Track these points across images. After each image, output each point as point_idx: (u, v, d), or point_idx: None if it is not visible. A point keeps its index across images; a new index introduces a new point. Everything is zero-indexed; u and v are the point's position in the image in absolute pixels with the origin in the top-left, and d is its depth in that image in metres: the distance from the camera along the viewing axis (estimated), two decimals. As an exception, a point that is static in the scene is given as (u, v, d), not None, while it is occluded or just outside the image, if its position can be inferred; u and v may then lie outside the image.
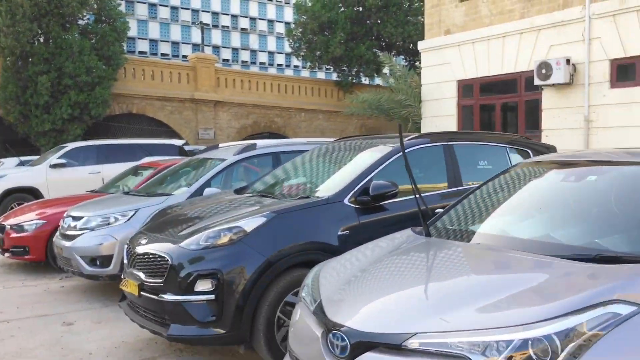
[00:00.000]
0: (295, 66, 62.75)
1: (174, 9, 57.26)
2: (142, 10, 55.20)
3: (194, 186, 6.41)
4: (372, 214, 4.34)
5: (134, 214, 6.05)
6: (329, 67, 38.65)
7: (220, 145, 7.83)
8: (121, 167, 12.17)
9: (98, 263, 5.93)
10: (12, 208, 11.13)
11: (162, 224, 4.60)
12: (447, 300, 2.26)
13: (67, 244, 6.15)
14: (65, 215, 6.61)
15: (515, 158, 5.06)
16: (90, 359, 4.36)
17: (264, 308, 3.85)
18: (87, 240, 6.00)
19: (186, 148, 13.44)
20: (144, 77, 29.22)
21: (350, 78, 34.62)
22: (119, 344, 4.69)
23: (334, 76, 41.99)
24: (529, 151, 5.19)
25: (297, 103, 34.24)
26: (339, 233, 4.18)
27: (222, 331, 3.80)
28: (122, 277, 4.59)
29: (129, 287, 4.29)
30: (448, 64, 16.08)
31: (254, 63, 59.98)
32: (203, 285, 3.82)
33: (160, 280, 3.97)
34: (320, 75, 51.42)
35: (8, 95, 23.39)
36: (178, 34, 56.67)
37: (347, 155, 5.22)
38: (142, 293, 4.12)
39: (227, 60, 58.22)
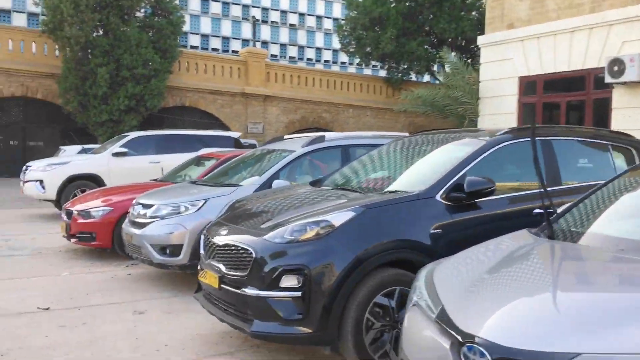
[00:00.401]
0: (342, 62, 62.48)
1: (225, 4, 57.78)
2: (194, 5, 55.97)
3: (262, 177, 6.27)
4: (465, 212, 4.07)
5: (203, 204, 5.94)
6: (377, 63, 38.27)
7: (285, 137, 7.68)
8: (179, 158, 12.24)
9: (168, 252, 5.85)
10: (74, 195, 11.33)
11: (241, 215, 4.44)
12: (603, 315, 1.97)
13: (137, 231, 6.10)
14: (134, 202, 6.57)
15: (618, 156, 4.69)
16: (166, 350, 4.24)
17: (352, 308, 3.63)
18: (158, 228, 5.92)
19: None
20: (197, 70, 29.52)
21: (400, 75, 34.13)
22: (193, 336, 4.57)
23: (382, 73, 41.57)
24: (632, 150, 4.79)
25: (345, 99, 33.99)
26: (431, 231, 3.92)
27: (309, 330, 3.61)
28: (199, 268, 4.46)
29: (208, 278, 4.15)
30: (509, 59, 15.53)
31: (301, 59, 60.00)
32: (289, 281, 3.64)
33: (243, 274, 3.81)
34: (367, 71, 51.02)
35: (69, 85, 24.00)
36: (229, 29, 57.17)
37: (430, 149, 4.96)
38: (222, 286, 3.98)
39: (275, 56, 58.43)
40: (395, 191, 4.22)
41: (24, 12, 43.76)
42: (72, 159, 11.63)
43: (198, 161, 9.24)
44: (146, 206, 6.23)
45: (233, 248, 3.95)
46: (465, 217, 4.07)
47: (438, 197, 4.05)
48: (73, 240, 7.69)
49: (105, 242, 7.46)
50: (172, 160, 12.16)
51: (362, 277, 3.67)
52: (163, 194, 6.52)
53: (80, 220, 7.56)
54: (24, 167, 11.93)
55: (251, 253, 3.79)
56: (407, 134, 7.62)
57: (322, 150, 6.82)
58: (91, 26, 23.67)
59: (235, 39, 56.66)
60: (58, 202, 11.50)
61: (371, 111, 34.54)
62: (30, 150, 26.03)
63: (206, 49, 53.61)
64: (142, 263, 6.27)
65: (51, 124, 26.56)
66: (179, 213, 5.96)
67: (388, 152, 5.25)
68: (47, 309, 5.22)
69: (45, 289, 5.95)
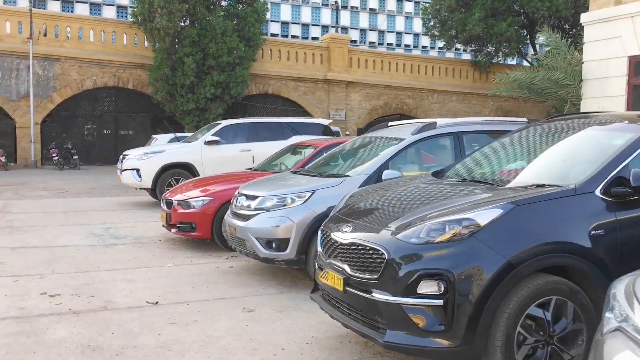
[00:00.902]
0: (423, 47, 60.92)
1: (304, -10, 57.68)
2: (274, -8, 56.14)
3: (371, 167, 5.85)
4: (631, 210, 3.45)
5: (310, 195, 5.60)
6: (461, 47, 36.77)
7: (390, 123, 7.20)
8: (270, 146, 12.10)
9: (274, 246, 5.57)
10: (169, 184, 11.42)
11: (363, 210, 4.04)
12: None
13: (241, 224, 5.86)
14: (237, 193, 6.35)
15: None
16: (284, 355, 3.93)
17: (502, 321, 3.15)
18: (263, 221, 5.65)
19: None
20: (280, 58, 29.50)
21: (488, 57, 32.60)
22: (309, 339, 4.24)
23: (466, 56, 39.98)
24: None
25: (429, 84, 32.93)
26: (591, 232, 3.35)
27: (451, 344, 3.16)
28: (317, 267, 4.12)
29: (330, 280, 3.79)
30: (618, 37, 14.20)
31: (381, 44, 59.02)
32: (428, 287, 3.20)
33: (373, 277, 3.41)
34: (449, 55, 49.33)
35: (159, 75, 24.65)
36: (308, 15, 56.96)
37: (572, 137, 4.33)
38: (347, 289, 3.60)
39: (355, 42, 57.60)
40: (544, 185, 3.66)
41: (113, 5, 45.48)
42: (166, 148, 11.74)
43: (293, 149, 8.96)
44: (250, 197, 5.97)
45: (360, 247, 3.56)
46: (632, 215, 3.45)
47: (597, 192, 3.46)
48: (173, 230, 7.63)
49: (205, 232, 7.33)
50: (263, 148, 12.05)
51: (513, 285, 3.17)
52: (266, 184, 6.24)
53: (180, 211, 7.47)
54: (121, 156, 12.17)
55: (382, 254, 3.38)
56: (525, 119, 6.94)
57: (432, 138, 6.30)
58: (179, 17, 24.12)
59: (315, 25, 56.34)
60: (153, 191, 11.66)
61: (456, 96, 33.28)
62: (122, 138, 27.06)
63: (286, 36, 53.70)
64: (246, 256, 6.03)
65: (141, 113, 27.44)
66: (284, 205, 5.65)
67: (521, 140, 4.67)
68: (156, 303, 5.08)
69: (151, 281, 5.85)
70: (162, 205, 8.08)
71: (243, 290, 5.58)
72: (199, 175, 11.62)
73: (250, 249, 5.77)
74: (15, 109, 24.48)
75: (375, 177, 5.73)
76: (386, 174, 5.64)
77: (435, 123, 6.31)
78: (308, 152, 8.57)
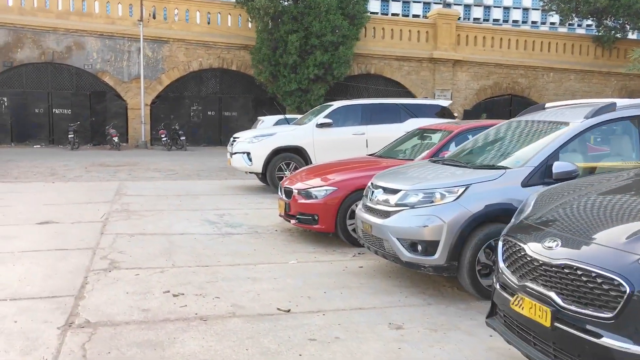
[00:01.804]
0: (533, 22, 57.00)
1: (405, -34, 55.66)
2: (374, -31, 54.73)
3: (536, 158, 4.85)
4: None
5: (464, 191, 4.72)
6: (576, 22, 33.76)
7: (546, 105, 6.11)
8: (384, 129, 11.30)
9: (420, 249, 4.76)
10: (279, 168, 10.92)
11: (571, 218, 3.11)
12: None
13: (379, 221, 5.09)
14: (370, 185, 5.59)
15: None
16: (459, 398, 3.14)
17: None
18: (407, 219, 4.85)
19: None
20: (384, 36, 28.41)
21: (613, 32, 29.62)
22: (483, 375, 3.41)
23: (580, 31, 36.66)
24: None
25: (545, 62, 30.48)
26: None
27: None
28: (498, 286, 3.26)
29: (528, 309, 2.92)
30: None
31: (486, 20, 55.92)
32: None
33: (605, 315, 2.51)
34: (562, 30, 45.63)
35: (262, 56, 24.44)
36: (409, -9, 55.09)
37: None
38: (557, 325, 2.72)
39: (459, 18, 55.11)
40: None
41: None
42: (277, 131, 11.22)
43: (421, 134, 8.06)
44: (389, 190, 5.17)
45: (581, 273, 2.65)
46: None
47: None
48: (292, 221, 7.03)
49: (328, 226, 6.67)
50: (377, 131, 11.28)
51: None
52: (407, 176, 5.42)
53: (301, 201, 6.85)
54: (231, 139, 11.82)
55: (620, 285, 2.46)
56: None
57: (610, 122, 5.17)
58: (281, -5, 23.78)
59: (416, 2, 54.44)
60: (263, 175, 11.22)
61: (575, 74, 30.58)
62: (226, 120, 27.27)
63: (386, 14, 52.29)
64: (383, 258, 5.27)
65: (244, 95, 27.49)
66: (432, 202, 4.81)
67: None
68: (288, 311, 4.45)
69: (277, 282, 5.25)
70: (279, 193, 7.51)
71: (382, 299, 4.83)
72: (310, 160, 11.05)
73: (389, 251, 5.00)
74: (127, 91, 25.28)
75: (542, 170, 4.75)
76: (558, 166, 4.63)
77: (614, 104, 5.17)
78: (436, 137, 7.66)
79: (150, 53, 25.25)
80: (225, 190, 11.56)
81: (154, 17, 25.37)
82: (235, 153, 11.27)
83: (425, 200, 4.84)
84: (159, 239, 6.97)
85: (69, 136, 22.88)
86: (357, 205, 6.61)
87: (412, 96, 27.40)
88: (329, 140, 11.13)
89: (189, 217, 8.41)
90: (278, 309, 4.50)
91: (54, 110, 24.81)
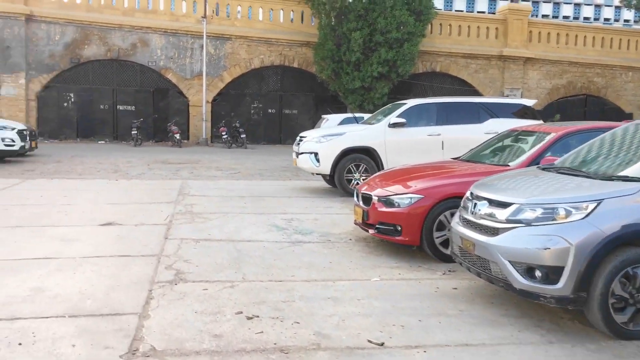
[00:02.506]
0: (605, 19, 53.96)
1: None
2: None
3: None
4: None
5: (595, 207, 3.91)
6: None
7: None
8: (462, 130, 10.53)
9: (539, 276, 3.98)
10: (349, 170, 10.28)
11: None
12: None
13: (484, 239, 4.34)
14: (470, 195, 4.84)
15: None
16: None
17: None
18: (522, 239, 4.07)
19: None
20: (450, 32, 27.29)
21: None
22: None
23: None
24: None
25: (624, 60, 28.54)
26: None
27: None
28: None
29: None
30: None
31: (555, 17, 53.36)
32: None
33: None
34: (638, 27, 42.81)
35: (325, 52, 23.88)
36: (474, -13, 53.27)
37: None
38: None
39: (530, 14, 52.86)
40: None
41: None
42: (346, 130, 10.55)
43: (514, 136, 7.21)
44: (497, 203, 4.41)
45: None
46: None
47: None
48: (371, 231, 6.35)
49: (413, 238, 5.95)
50: (454, 132, 10.49)
51: None
52: (517, 186, 4.64)
53: (382, 209, 6.16)
54: (298, 138, 11.24)
55: None
56: None
57: None
58: (347, -10, 23.10)
59: (481, -2, 52.59)
60: (331, 177, 10.59)
61: (658, 74, 28.55)
62: (286, 118, 26.88)
63: (449, 10, 50.75)
64: (489, 282, 4.51)
65: (305, 92, 27.01)
66: (554, 219, 4.02)
67: None
68: (382, 344, 3.77)
69: (362, 304, 4.58)
70: (356, 199, 6.85)
71: (490, 332, 4.08)
72: (380, 162, 10.34)
73: (497, 275, 4.24)
74: (189, 88, 25.26)
75: None
76: None
77: None
78: (532, 140, 6.80)
79: (212, 50, 25.14)
80: (290, 192, 11.00)
81: (217, 14, 25.26)
82: (302, 153, 10.69)
83: (545, 217, 4.05)
84: (225, 246, 6.45)
85: (132, 132, 23.03)
86: (445, 216, 5.90)
87: (479, 95, 26.19)
88: (402, 141, 10.40)
89: (256, 222, 7.87)
90: (369, 341, 3.83)
91: (118, 106, 25.08)
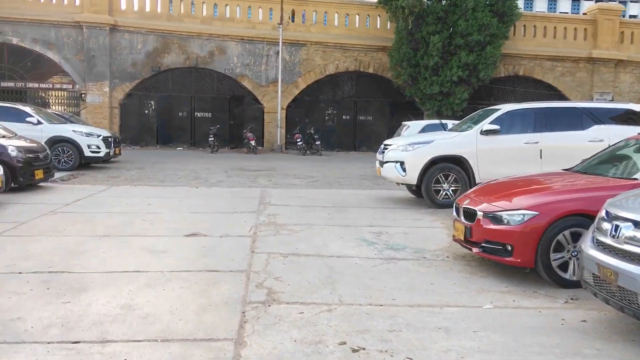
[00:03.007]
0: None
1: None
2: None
3: None
4: None
5: None
6: None
7: None
8: (563, 137, 9.73)
9: None
10: (437, 180, 9.68)
11: None
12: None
13: (633, 268, 3.68)
14: (605, 215, 4.18)
15: None
16: None
17: None
18: (686, 272, 3.40)
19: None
20: (535, 34, 25.95)
21: None
22: None
23: None
24: None
25: None
26: None
27: None
28: None
29: None
30: None
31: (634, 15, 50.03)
32: None
33: None
34: None
35: (401, 57, 23.28)
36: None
37: None
38: None
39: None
40: None
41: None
42: (435, 138, 9.94)
43: (637, 146, 6.40)
44: (646, 226, 3.75)
45: None
46: None
47: None
48: (475, 250, 5.76)
49: (526, 259, 5.32)
50: (554, 140, 9.72)
51: None
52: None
53: (489, 226, 5.56)
54: (382, 146, 10.76)
55: None
56: None
57: None
58: (427, -7, 22.42)
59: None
60: (418, 188, 10.02)
61: None
62: (360, 124, 26.44)
63: (529, 11, 48.62)
64: (638, 319, 3.84)
65: (379, 98, 26.49)
66: None
67: None
68: (516, 393, 3.22)
69: (479, 338, 4.03)
70: (455, 214, 6.28)
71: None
72: (472, 172, 9.67)
73: (650, 312, 3.58)
74: (264, 95, 25.33)
75: None
76: None
77: None
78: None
79: (287, 56, 25.11)
80: (373, 202, 10.52)
81: (292, 21, 25.21)
82: (387, 162, 10.18)
83: None
84: (315, 262, 6.05)
85: (210, 139, 23.31)
86: (564, 236, 5.24)
87: (565, 99, 24.71)
88: (496, 149, 9.68)
89: (343, 235, 7.44)
90: (500, 387, 3.28)
91: (195, 113, 25.51)
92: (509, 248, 5.39)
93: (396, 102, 25.96)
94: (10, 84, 24.08)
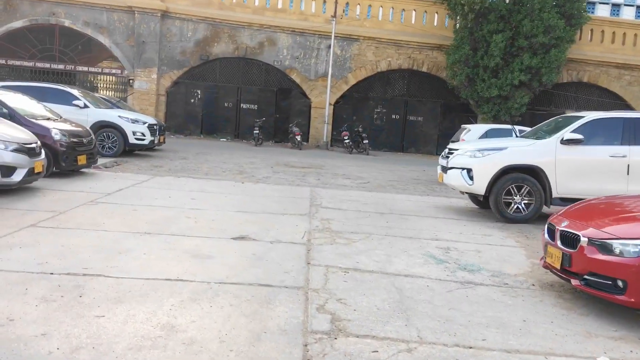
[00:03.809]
0: None
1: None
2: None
3: None
4: None
5: None
6: None
7: None
8: (656, 152, 8.53)
9: None
10: (508, 192, 8.74)
11: None
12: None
13: None
14: None
15: None
16: None
17: None
18: None
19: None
20: (603, 40, 24.41)
21: None
22: None
23: None
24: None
25: None
26: None
27: None
28: None
29: None
30: None
31: None
32: None
33: None
34: None
35: (459, 57, 22.20)
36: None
37: None
38: None
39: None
40: None
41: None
42: (509, 145, 8.98)
43: None
44: None
45: None
46: None
47: None
48: (575, 282, 4.86)
49: (642, 299, 4.40)
50: (645, 155, 8.56)
51: None
52: None
53: (596, 256, 4.65)
54: (446, 150, 9.85)
55: None
56: None
57: None
58: (489, -11, 21.25)
59: (629, 5, 47.63)
60: (485, 199, 9.10)
61: None
62: (410, 124, 25.48)
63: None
64: None
65: (432, 99, 25.45)
66: None
67: None
68: None
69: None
70: (548, 237, 5.38)
71: None
72: (548, 184, 8.70)
73: None
74: (312, 89, 24.62)
75: None
76: None
77: None
78: None
79: (339, 51, 24.33)
80: (433, 210, 9.65)
81: (346, 14, 24.40)
82: (452, 168, 9.29)
83: None
84: (381, 281, 5.26)
85: (255, 132, 22.74)
86: (693, 275, 4.28)
87: (632, 109, 23.15)
88: (577, 161, 8.68)
89: (407, 248, 6.63)
90: None
91: (241, 105, 25.00)
92: (621, 284, 4.48)
93: (449, 104, 24.88)
94: (61, 66, 24.04)
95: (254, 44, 24.31)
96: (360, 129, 23.27)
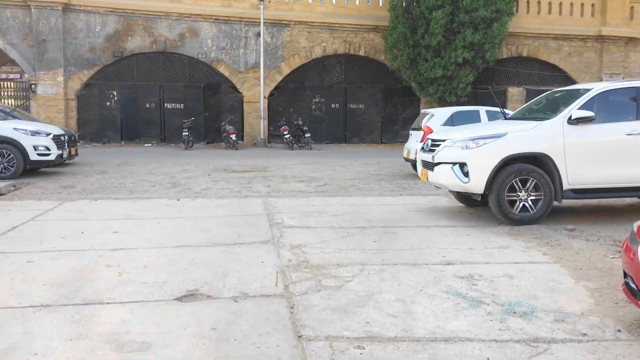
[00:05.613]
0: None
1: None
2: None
3: None
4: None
5: None
6: None
7: None
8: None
9: None
10: (511, 187, 7.14)
11: None
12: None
13: None
14: None
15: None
16: None
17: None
18: None
19: None
20: (539, 11, 23.58)
21: None
22: None
23: None
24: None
25: None
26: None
27: None
28: None
29: None
30: None
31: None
32: None
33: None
34: None
35: (396, 37, 20.68)
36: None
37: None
38: None
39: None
40: None
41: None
42: (508, 130, 7.33)
43: None
44: None
45: None
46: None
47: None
48: None
49: None
50: (665, 130, 7.16)
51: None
52: None
53: None
54: (428, 142, 8.11)
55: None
56: None
57: None
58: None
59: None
60: (484, 197, 7.46)
61: None
62: (351, 113, 23.86)
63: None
64: None
65: (372, 84, 23.90)
66: None
67: None
68: None
69: None
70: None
71: None
72: (558, 175, 7.15)
73: None
74: (244, 82, 22.49)
75: None
76: None
77: None
78: None
79: (269, 38, 22.28)
80: (418, 217, 7.92)
81: (274, -3, 22.36)
82: (440, 163, 7.56)
83: None
84: (415, 358, 3.41)
85: (184, 134, 20.36)
86: None
87: (572, 82, 22.56)
88: (588, 144, 7.19)
89: (419, 284, 4.83)
90: None
91: (165, 104, 22.50)
92: None
93: (390, 88, 23.44)
94: (-54, 74, 20.64)
95: (173, 35, 21.82)
96: (300, 122, 21.39)
